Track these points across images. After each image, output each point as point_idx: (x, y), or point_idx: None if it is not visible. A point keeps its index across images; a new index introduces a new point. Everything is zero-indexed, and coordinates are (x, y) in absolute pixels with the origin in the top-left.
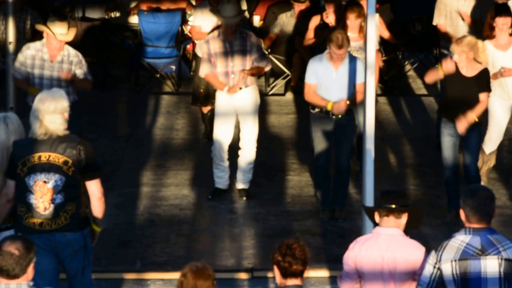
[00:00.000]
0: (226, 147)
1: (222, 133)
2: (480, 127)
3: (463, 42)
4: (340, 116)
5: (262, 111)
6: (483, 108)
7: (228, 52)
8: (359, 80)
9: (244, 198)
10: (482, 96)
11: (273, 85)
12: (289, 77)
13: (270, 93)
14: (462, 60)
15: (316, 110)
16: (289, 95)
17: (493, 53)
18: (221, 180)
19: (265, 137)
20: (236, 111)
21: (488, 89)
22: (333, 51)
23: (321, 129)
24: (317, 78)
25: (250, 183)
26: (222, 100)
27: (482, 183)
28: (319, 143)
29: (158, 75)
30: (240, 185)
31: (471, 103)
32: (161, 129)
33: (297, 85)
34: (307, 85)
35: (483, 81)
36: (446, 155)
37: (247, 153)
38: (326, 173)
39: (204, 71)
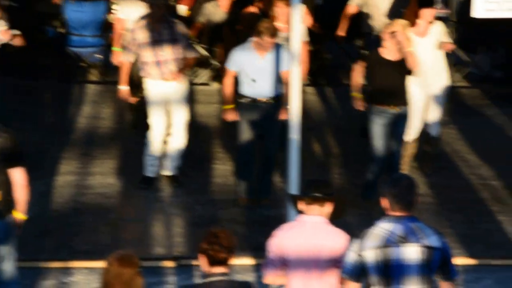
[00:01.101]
0: (161, 135)
1: (157, 121)
2: (409, 114)
3: (396, 22)
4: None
5: (189, 100)
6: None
7: (157, 41)
8: (285, 67)
9: (175, 184)
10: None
11: (199, 74)
12: (216, 66)
13: (197, 82)
14: (394, 41)
15: (244, 99)
16: (215, 85)
17: (414, 40)
18: (153, 168)
19: (192, 127)
20: (167, 99)
21: (414, 72)
22: (265, 40)
23: (248, 118)
24: (239, 67)
25: (178, 170)
26: (153, 88)
27: (404, 171)
28: (245, 132)
29: (83, 64)
30: (168, 172)
31: (401, 87)
32: (87, 118)
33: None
34: (228, 71)
35: (408, 65)
36: (377, 145)
37: (178, 140)
38: (250, 162)
39: (123, 58)
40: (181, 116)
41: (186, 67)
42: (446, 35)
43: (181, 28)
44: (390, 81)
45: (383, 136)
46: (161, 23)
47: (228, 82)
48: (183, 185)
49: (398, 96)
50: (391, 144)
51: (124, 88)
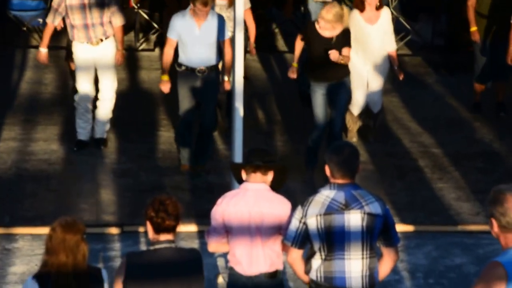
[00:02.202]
0: (89, 98)
1: (84, 85)
2: (349, 84)
3: (331, 13)
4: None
5: (132, 66)
6: (348, 60)
7: (85, 5)
8: (226, 36)
9: (102, 147)
10: (345, 51)
11: (142, 40)
12: (159, 32)
13: (140, 48)
14: (327, 27)
15: (182, 68)
16: (158, 51)
17: (361, 26)
18: (83, 131)
19: (135, 93)
20: (95, 64)
21: (349, 45)
22: (198, 8)
23: (187, 86)
24: (179, 35)
25: (106, 133)
26: (81, 52)
27: (355, 139)
28: (184, 100)
29: (24, 28)
30: (97, 135)
31: (335, 63)
32: (29, 83)
33: None
34: (168, 39)
35: (345, 39)
36: (317, 113)
37: (106, 105)
38: (189, 130)
39: (48, 20)
40: (108, 81)
41: (115, 33)
42: (391, 22)
43: None
44: (324, 56)
45: (323, 105)
46: None
47: (168, 51)
48: (126, 151)
49: (333, 71)
50: (332, 113)
51: (43, 51)
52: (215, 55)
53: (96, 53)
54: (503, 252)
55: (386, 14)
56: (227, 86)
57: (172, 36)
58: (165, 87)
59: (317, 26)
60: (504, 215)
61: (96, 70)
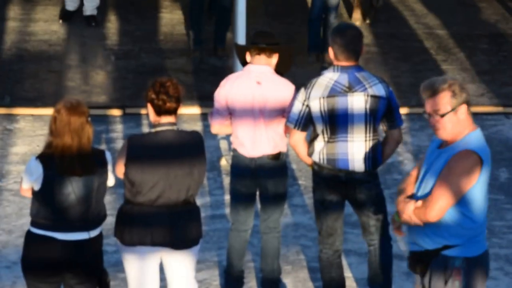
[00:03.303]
0: None
1: None
2: None
3: None
4: None
5: None
6: None
7: None
8: None
9: (93, 24)
10: None
11: None
12: None
13: None
14: None
15: None
16: None
17: None
18: (71, 2)
19: None
20: None
21: None
22: None
23: None
24: None
25: (97, 9)
26: None
27: (358, 15)
28: None
29: None
30: (87, 12)
31: None
32: None
33: None
34: None
35: None
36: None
37: None
38: (202, 12)
39: None
40: None
41: None
42: None
43: None
44: None
45: None
46: None
47: None
48: (127, 33)
49: None
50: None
51: None
52: None
53: None
54: (465, 140)
55: None
56: None
57: None
58: None
59: None
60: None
61: None
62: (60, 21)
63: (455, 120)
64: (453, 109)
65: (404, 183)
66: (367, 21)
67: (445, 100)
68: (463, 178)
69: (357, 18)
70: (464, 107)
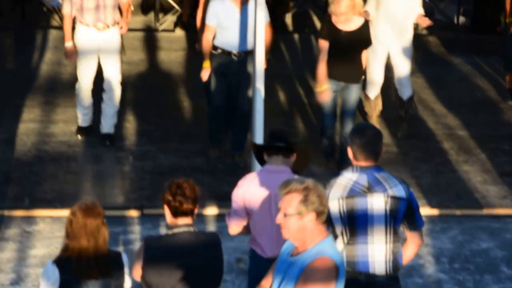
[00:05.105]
0: (89, 86)
1: (85, 72)
2: (361, 83)
3: (340, 5)
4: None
5: (152, 47)
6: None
7: None
8: (265, 20)
9: (108, 143)
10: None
11: (162, 21)
12: (179, 12)
13: (160, 29)
14: (341, 21)
15: (219, 51)
16: (179, 32)
17: None
18: (85, 117)
19: (155, 74)
20: (99, 50)
21: (369, 42)
22: None
23: (222, 70)
24: (218, 20)
25: (114, 127)
26: (85, 36)
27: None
28: (217, 84)
29: (45, 9)
30: (104, 129)
31: (354, 58)
32: (49, 64)
33: (188, 21)
34: (207, 26)
35: (364, 34)
36: (325, 105)
37: (112, 95)
38: (222, 114)
39: (65, 11)
40: (113, 68)
41: (123, 16)
42: None
43: None
44: (344, 51)
45: (332, 101)
46: None
47: (207, 37)
48: (145, 133)
49: (350, 69)
50: (341, 116)
51: (69, 45)
52: (253, 39)
53: (101, 39)
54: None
55: None
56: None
57: (212, 22)
58: (205, 75)
59: (333, 19)
60: None
61: (99, 59)
62: (78, 136)
63: (301, 225)
64: (298, 213)
65: None
66: (398, 135)
67: (293, 202)
68: (321, 285)
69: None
70: (312, 215)
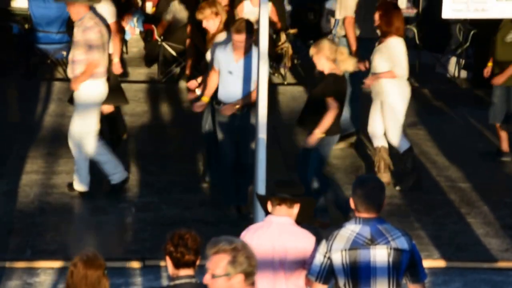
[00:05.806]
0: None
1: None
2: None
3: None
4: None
5: (155, 99)
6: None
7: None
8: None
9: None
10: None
11: (165, 73)
12: (182, 64)
13: (163, 80)
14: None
15: (221, 105)
16: (182, 83)
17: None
18: (82, 182)
19: (157, 125)
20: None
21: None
22: (234, 39)
23: (226, 125)
24: (219, 65)
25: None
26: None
27: (385, 179)
28: (225, 140)
29: (49, 61)
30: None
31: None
32: (52, 116)
33: (191, 73)
34: (213, 67)
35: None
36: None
37: (73, 150)
38: (232, 170)
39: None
40: (73, 125)
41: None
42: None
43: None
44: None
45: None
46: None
47: (213, 78)
48: (148, 184)
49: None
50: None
51: None
52: (251, 92)
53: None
54: None
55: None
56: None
57: (216, 66)
58: (199, 108)
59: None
60: None
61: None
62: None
63: (228, 287)
64: (226, 275)
65: None
66: (397, 188)
67: (221, 263)
68: None
69: (381, 177)
70: (240, 277)
